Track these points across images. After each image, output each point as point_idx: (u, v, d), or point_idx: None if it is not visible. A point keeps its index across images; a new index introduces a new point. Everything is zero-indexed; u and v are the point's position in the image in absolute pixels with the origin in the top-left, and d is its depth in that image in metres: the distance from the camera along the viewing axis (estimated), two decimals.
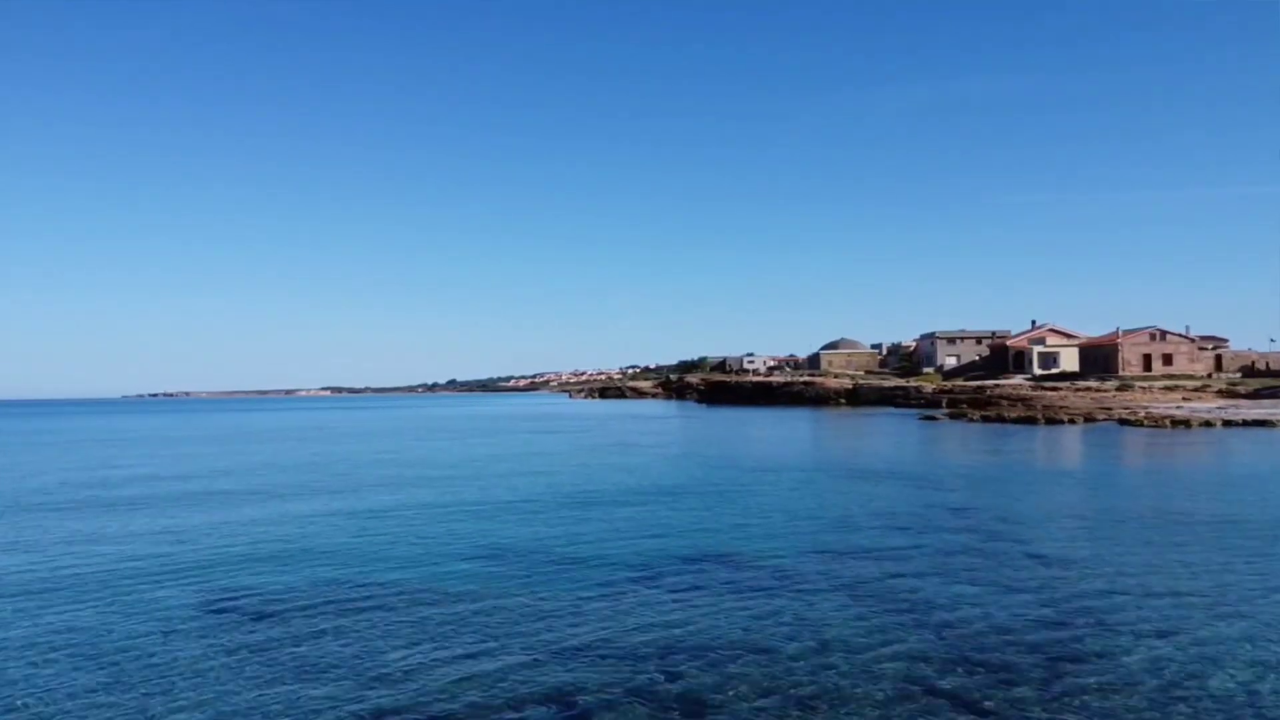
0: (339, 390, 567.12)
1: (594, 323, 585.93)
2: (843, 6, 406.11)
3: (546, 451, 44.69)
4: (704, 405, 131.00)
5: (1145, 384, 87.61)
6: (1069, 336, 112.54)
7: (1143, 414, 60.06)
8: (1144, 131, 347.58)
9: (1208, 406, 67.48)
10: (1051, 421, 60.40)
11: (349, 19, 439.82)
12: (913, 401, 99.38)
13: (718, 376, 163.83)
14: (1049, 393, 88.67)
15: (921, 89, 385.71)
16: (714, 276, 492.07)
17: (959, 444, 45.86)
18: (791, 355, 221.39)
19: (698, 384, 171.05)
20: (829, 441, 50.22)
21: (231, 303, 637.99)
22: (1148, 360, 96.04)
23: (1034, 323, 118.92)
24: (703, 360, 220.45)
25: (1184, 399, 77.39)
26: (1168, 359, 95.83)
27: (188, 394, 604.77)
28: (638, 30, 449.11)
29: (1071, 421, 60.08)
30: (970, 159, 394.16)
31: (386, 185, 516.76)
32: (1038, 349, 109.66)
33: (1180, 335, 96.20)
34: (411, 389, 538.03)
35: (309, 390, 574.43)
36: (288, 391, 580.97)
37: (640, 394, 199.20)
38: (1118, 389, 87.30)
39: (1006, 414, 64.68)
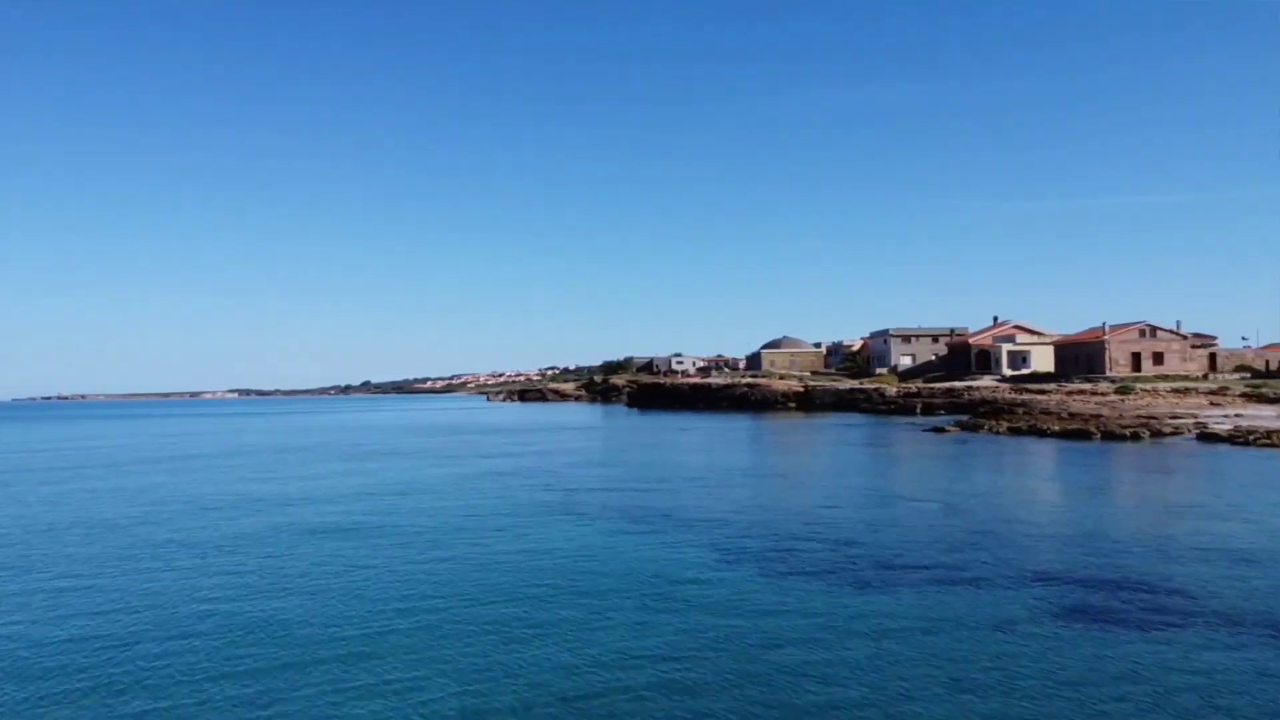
0: (247, 393, 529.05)
1: (513, 323, 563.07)
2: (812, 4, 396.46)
3: (424, 508, 25.86)
4: (634, 410, 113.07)
5: (1147, 386, 73.74)
6: (1037, 334, 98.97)
7: (1230, 426, 44.74)
8: (1092, 136, 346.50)
9: (1270, 413, 52.94)
10: (1109, 437, 44.53)
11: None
12: (879, 407, 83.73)
13: (648, 378, 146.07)
14: (1038, 396, 73.94)
15: (854, 92, 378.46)
16: (638, 276, 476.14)
17: (1074, 483, 29.01)
18: (720, 355, 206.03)
19: (625, 386, 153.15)
20: (863, 475, 32.61)
21: (132, 301, 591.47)
22: (1136, 359, 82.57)
23: (996, 319, 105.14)
24: (628, 361, 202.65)
25: (1211, 403, 63.34)
26: (1158, 358, 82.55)
27: (84, 397, 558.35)
28: (561, 18, 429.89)
29: (1135, 437, 44.30)
30: (907, 162, 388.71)
31: (298, 182, 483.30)
32: (1006, 347, 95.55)
33: (1171, 332, 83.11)
34: (324, 391, 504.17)
35: (215, 393, 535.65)
36: (193, 394, 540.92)
37: (562, 396, 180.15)
38: (1117, 391, 73.18)
39: (1044, 426, 48.59)
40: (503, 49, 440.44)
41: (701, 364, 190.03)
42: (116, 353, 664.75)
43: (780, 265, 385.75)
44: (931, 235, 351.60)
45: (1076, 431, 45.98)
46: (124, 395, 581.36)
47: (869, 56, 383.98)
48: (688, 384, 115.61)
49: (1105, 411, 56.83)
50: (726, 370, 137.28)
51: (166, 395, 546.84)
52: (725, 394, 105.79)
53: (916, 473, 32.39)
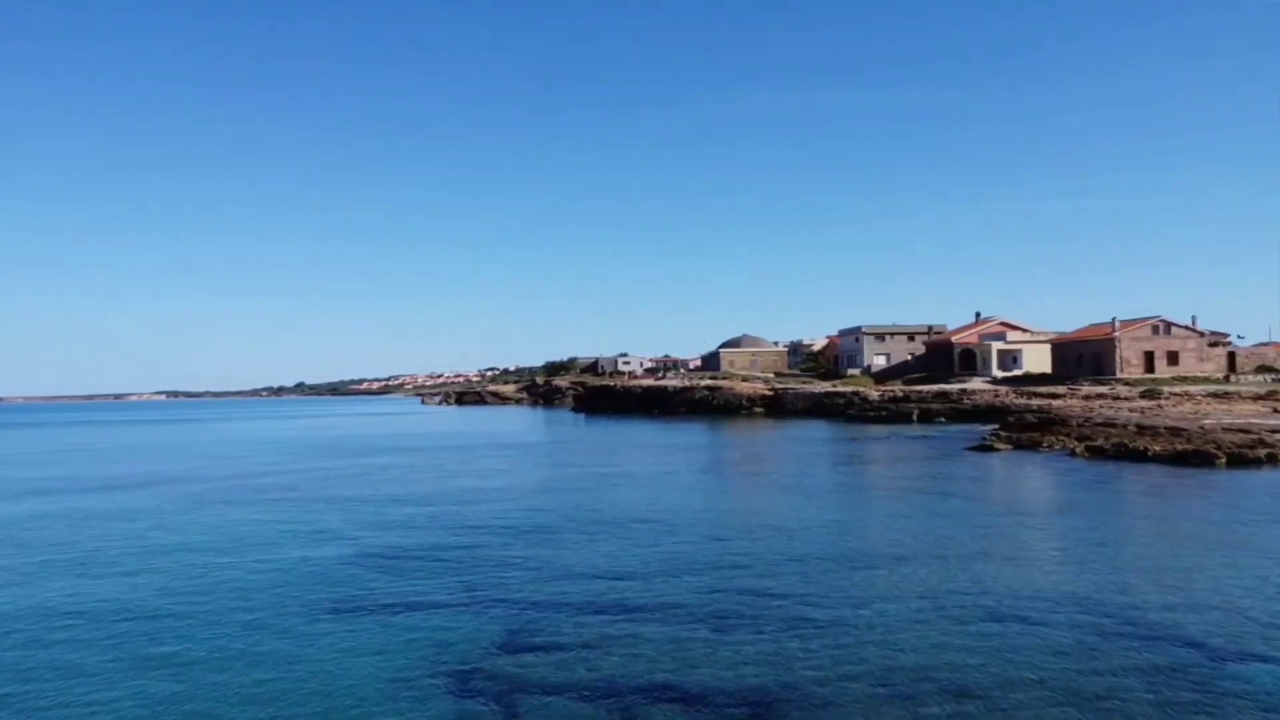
0: (175, 394, 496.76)
1: (453, 323, 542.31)
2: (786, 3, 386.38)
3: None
4: (580, 415, 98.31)
5: (1176, 389, 62.12)
6: (1026, 331, 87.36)
7: None
8: (1067, 135, 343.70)
9: None
10: (1237, 463, 31.63)
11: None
12: (867, 414, 70.55)
13: (595, 380, 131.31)
14: (1052, 401, 61.98)
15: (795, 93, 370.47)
16: (581, 276, 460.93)
17: None
18: (667, 355, 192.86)
19: (570, 388, 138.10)
20: (1005, 560, 18.35)
21: (52, 299, 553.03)
22: (1149, 359, 71.22)
23: (978, 315, 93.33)
24: (572, 361, 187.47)
25: (1276, 411, 51.56)
26: (1173, 357, 71.35)
27: (0, 399, 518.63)
28: (508, 26, 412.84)
29: (1271, 460, 31.52)
30: (868, 162, 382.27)
31: (229, 176, 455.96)
32: (996, 345, 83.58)
33: (1187, 328, 72.00)
34: (256, 393, 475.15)
35: (141, 395, 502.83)
36: (118, 396, 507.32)
37: (502, 399, 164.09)
38: (1142, 395, 61.42)
39: (1138, 446, 35.25)
40: (452, 45, 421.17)
41: (649, 364, 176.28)
42: (40, 353, 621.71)
43: (730, 265, 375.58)
44: (893, 235, 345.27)
45: (1191, 454, 32.88)
46: (46, 397, 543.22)
47: (832, 59, 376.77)
48: (640, 386, 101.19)
49: (1178, 423, 44.13)
50: (683, 371, 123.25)
51: (90, 397, 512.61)
52: (683, 398, 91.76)
53: (1098, 548, 18.51)
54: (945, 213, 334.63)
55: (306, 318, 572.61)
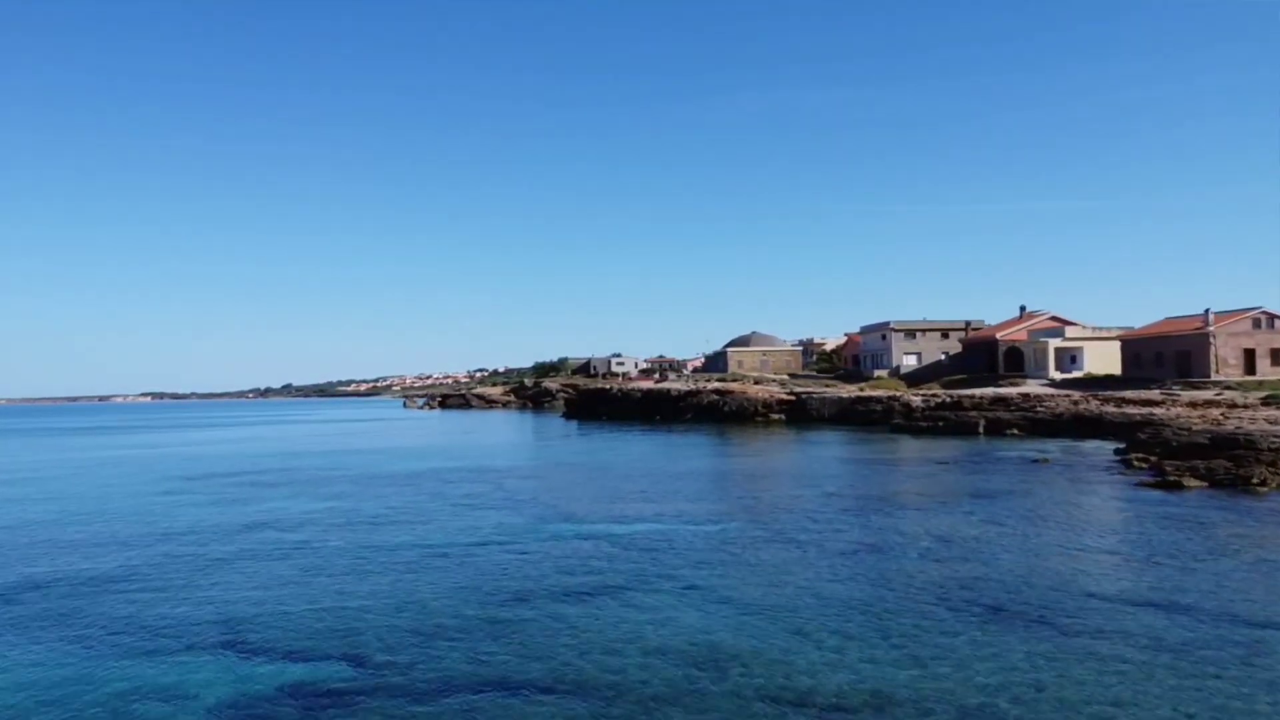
0: (161, 396, 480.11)
1: (443, 322, 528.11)
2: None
3: None
4: (573, 421, 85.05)
5: None
6: (1085, 327, 74.72)
7: None
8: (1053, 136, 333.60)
9: None
10: None
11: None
12: (919, 423, 57.60)
13: (588, 382, 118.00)
14: (1155, 410, 49.37)
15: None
16: (572, 275, 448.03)
17: None
18: (661, 356, 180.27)
19: (560, 391, 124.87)
20: None
21: (39, 299, 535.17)
22: (1250, 357, 58.74)
23: (1024, 309, 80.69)
24: (563, 362, 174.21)
25: None
26: (1276, 355, 58.91)
27: None
28: (503, 23, 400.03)
29: None
30: (854, 164, 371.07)
31: (215, 174, 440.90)
32: (1054, 343, 70.86)
33: None
34: (242, 394, 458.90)
35: (126, 396, 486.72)
36: (102, 398, 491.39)
37: (489, 403, 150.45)
38: (1265, 402, 48.84)
39: None
40: (446, 43, 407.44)
41: (644, 365, 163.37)
42: (26, 354, 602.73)
43: (727, 264, 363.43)
44: (893, 235, 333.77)
45: None
46: (29, 399, 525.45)
47: (832, 59, 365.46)
48: (640, 390, 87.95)
49: None
50: (684, 373, 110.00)
51: (75, 399, 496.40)
52: (689, 403, 78.72)
53: None
54: (936, 212, 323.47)
55: (296, 318, 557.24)
